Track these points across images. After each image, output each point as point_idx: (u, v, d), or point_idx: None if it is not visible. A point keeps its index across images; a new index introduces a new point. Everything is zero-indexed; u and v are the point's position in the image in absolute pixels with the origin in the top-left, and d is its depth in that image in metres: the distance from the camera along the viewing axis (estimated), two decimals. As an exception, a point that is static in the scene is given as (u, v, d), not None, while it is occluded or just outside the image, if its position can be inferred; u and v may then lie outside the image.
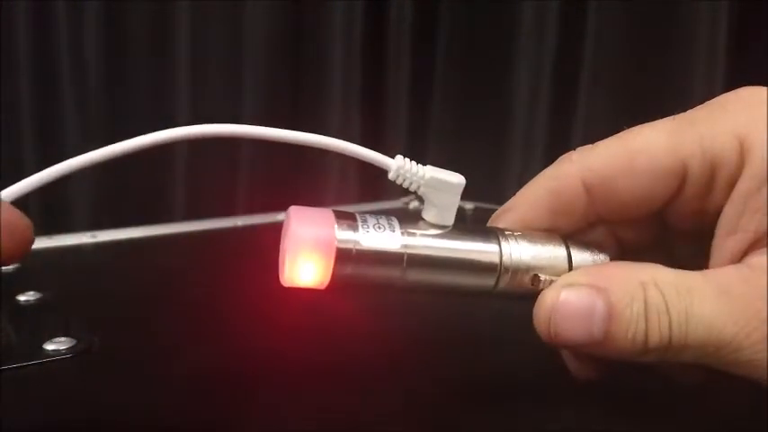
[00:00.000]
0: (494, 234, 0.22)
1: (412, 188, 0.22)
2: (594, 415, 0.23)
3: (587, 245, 0.23)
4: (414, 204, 0.57)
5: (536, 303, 0.21)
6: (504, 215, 0.24)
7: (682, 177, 0.22)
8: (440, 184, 0.22)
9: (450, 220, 0.22)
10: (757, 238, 0.21)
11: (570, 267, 0.23)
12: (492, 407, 0.23)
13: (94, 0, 0.78)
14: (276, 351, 0.27)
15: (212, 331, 0.28)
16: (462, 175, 0.22)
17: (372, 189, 0.77)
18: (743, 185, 0.21)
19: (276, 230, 0.22)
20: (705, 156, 0.21)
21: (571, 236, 0.23)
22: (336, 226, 0.20)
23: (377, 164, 0.22)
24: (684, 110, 0.23)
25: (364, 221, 0.21)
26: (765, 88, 0.22)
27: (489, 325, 0.30)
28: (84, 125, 0.80)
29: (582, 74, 0.73)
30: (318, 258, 0.20)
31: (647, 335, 0.20)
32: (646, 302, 0.20)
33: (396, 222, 0.21)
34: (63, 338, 0.26)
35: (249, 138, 0.21)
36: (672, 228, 0.24)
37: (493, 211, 0.25)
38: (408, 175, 0.21)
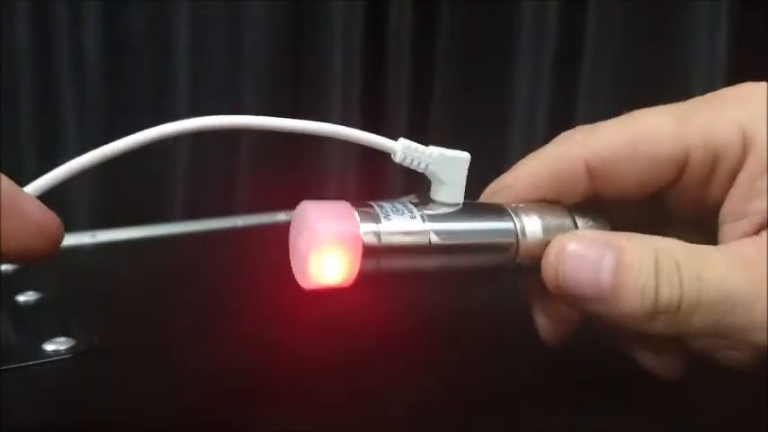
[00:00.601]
0: (504, 210, 0.23)
1: (420, 168, 0.22)
2: (596, 414, 0.23)
3: (589, 213, 0.24)
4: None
5: (545, 253, 0.21)
6: (504, 192, 0.24)
7: (683, 165, 0.22)
8: (447, 160, 0.22)
9: (460, 196, 0.22)
10: (766, 221, 0.21)
11: None
12: (501, 408, 0.23)
13: (94, 0, 0.78)
14: (280, 350, 0.27)
15: (212, 331, 0.28)
16: (463, 174, 0.22)
17: (371, 190, 0.77)
18: (748, 171, 0.21)
19: (277, 230, 0.22)
20: (707, 146, 0.22)
21: (573, 206, 0.24)
22: (357, 216, 0.20)
23: (381, 148, 0.22)
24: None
25: (382, 208, 0.20)
26: (766, 83, 0.22)
27: (503, 321, 0.30)
28: (84, 125, 0.80)
29: (582, 74, 0.73)
30: (345, 253, 0.19)
31: (657, 290, 0.19)
32: (657, 261, 0.20)
33: (412, 206, 0.21)
34: (63, 338, 0.26)
35: (252, 128, 0.20)
36: (669, 214, 0.24)
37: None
38: (416, 155, 0.21)
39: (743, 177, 0.21)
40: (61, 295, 0.32)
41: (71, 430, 0.22)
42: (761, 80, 0.22)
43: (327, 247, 0.19)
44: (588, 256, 0.20)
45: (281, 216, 0.49)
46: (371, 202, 0.21)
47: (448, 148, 0.22)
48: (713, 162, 0.22)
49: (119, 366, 0.25)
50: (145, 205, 0.79)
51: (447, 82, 0.79)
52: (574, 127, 0.25)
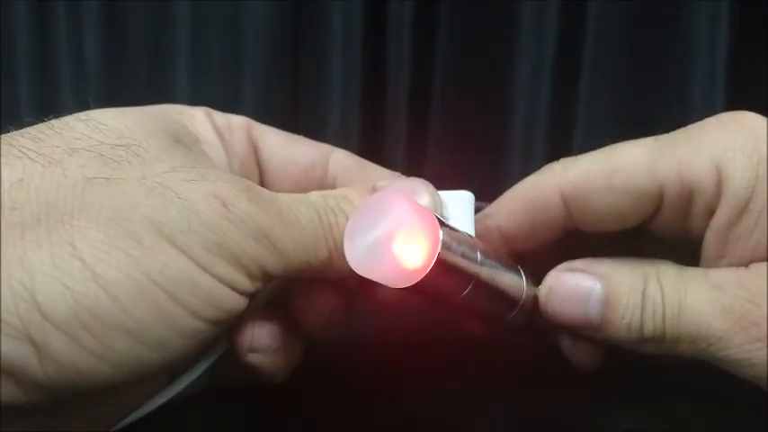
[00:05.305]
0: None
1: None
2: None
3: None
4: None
5: (541, 284, 0.23)
6: (484, 220, 0.25)
7: (659, 199, 0.22)
8: (450, 200, 0.22)
9: (471, 231, 0.23)
10: (743, 264, 0.21)
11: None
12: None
13: (94, 0, 0.78)
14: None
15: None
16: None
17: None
18: (722, 215, 0.21)
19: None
20: (683, 182, 0.22)
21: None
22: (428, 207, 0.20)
23: None
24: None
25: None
26: (746, 112, 0.22)
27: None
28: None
29: (582, 74, 0.73)
30: (428, 240, 0.19)
31: (642, 324, 0.20)
32: (644, 294, 0.20)
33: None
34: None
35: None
36: (655, 239, 0.25)
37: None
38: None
39: (718, 221, 0.21)
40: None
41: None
42: (760, 80, 0.22)
43: (414, 230, 0.19)
44: (576, 291, 0.21)
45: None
46: None
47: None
48: (689, 197, 0.22)
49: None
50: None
51: (447, 82, 0.79)
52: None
